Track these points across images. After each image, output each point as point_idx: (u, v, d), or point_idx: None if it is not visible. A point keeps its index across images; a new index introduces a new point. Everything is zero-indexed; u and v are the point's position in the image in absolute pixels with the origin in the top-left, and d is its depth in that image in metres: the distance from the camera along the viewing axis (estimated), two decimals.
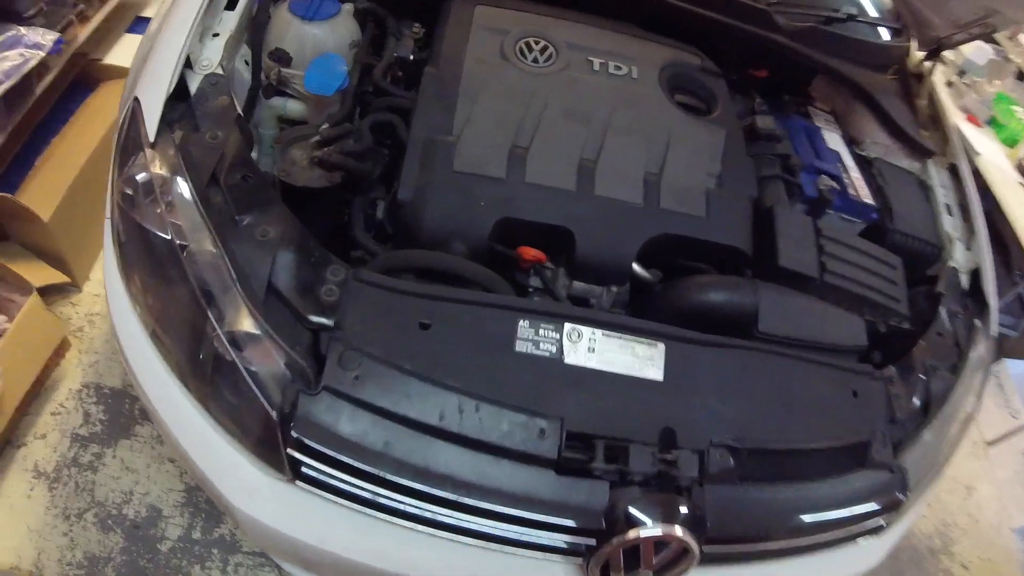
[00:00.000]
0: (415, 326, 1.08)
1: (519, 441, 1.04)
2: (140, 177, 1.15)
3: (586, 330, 1.13)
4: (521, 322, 1.11)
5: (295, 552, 1.15)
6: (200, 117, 1.22)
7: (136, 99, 1.21)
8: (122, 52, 2.13)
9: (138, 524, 1.79)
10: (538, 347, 1.10)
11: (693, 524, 1.03)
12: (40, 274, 1.85)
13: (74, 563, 1.72)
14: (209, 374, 1.08)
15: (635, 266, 1.27)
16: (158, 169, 1.14)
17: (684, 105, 1.44)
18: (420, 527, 1.08)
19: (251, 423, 1.08)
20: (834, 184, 1.51)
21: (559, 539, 1.08)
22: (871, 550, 1.37)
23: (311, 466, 1.05)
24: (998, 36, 2.95)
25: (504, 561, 1.10)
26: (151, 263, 1.15)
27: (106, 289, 1.22)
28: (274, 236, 1.11)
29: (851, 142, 1.67)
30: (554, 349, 1.10)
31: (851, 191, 1.52)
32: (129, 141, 1.21)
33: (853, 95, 1.68)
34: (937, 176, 1.63)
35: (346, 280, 1.10)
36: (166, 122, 1.19)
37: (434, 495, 1.03)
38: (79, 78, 2.03)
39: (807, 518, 1.19)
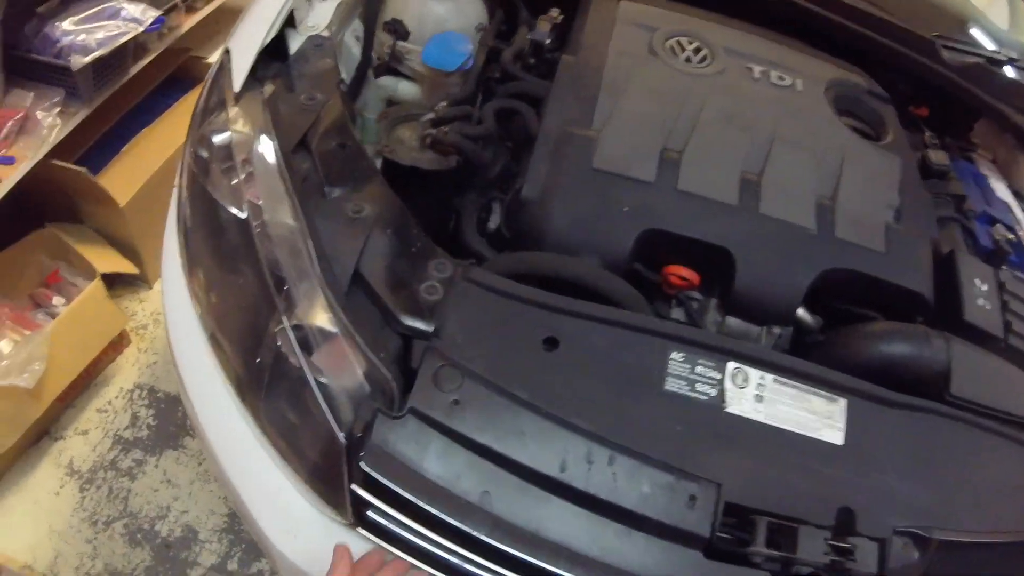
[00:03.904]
0: (537, 344, 0.76)
1: (662, 509, 0.71)
2: (218, 137, 0.87)
3: (754, 372, 0.79)
4: (674, 354, 0.77)
5: None
6: (297, 78, 0.94)
7: (227, 50, 0.94)
8: None
9: (170, 543, 1.46)
10: (693, 388, 0.77)
11: None
12: (108, 261, 1.58)
13: (92, 574, 1.41)
14: (266, 380, 0.77)
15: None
16: (240, 127, 0.85)
17: (852, 128, 1.12)
18: None
19: (309, 445, 0.76)
20: (1010, 235, 1.16)
21: None
22: None
23: (380, 511, 0.72)
24: None
25: None
26: (217, 244, 0.86)
27: (162, 273, 0.93)
28: (369, 214, 0.80)
29: (1015, 195, 1.32)
30: (714, 393, 0.77)
31: None
32: (212, 98, 0.93)
33: (1018, 142, 1.34)
34: None
35: (453, 278, 0.78)
36: (257, 78, 0.91)
37: (540, 570, 0.68)
38: (181, 73, 1.81)
39: None
